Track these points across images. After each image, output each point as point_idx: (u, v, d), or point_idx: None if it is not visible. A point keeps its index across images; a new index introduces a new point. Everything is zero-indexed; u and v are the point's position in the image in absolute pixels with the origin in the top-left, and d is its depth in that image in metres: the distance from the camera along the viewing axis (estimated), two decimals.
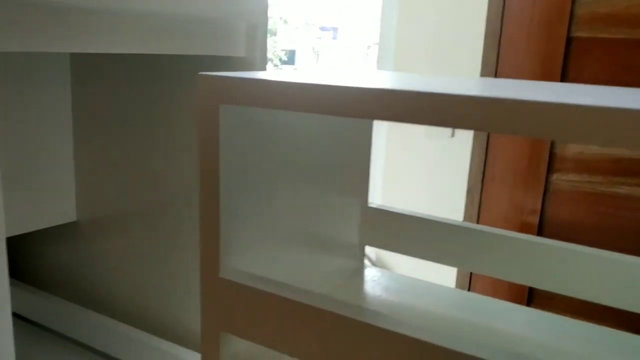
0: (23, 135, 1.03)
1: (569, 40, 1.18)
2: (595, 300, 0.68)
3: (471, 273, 1.32)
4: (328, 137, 0.70)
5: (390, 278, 0.82)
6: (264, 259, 0.64)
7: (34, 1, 0.54)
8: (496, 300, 0.77)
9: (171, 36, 0.68)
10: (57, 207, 1.09)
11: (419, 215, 0.77)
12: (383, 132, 1.45)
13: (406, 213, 0.78)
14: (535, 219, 1.25)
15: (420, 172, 1.38)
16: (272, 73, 0.57)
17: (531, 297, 1.27)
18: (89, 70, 1.04)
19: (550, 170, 1.22)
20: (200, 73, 0.54)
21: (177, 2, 0.69)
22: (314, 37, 11.99)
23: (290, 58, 12.74)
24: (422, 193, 1.37)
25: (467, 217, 1.31)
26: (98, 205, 1.08)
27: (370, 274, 0.83)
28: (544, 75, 1.21)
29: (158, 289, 1.05)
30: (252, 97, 0.51)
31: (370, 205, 0.81)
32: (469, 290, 1.33)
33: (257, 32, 0.78)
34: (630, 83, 1.14)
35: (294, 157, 0.65)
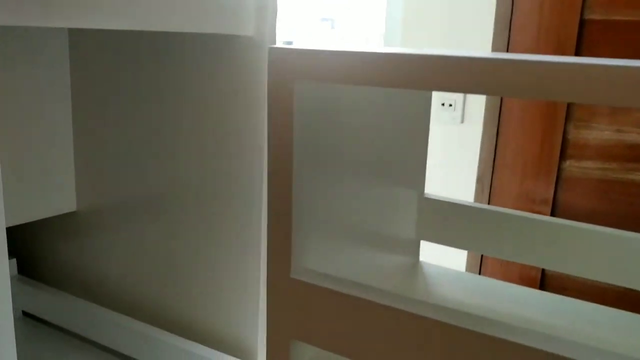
0: (22, 125, 0.99)
1: (582, 23, 1.15)
2: (612, 282, 0.65)
3: (482, 256, 1.30)
4: (389, 121, 0.65)
5: (448, 274, 0.77)
6: (326, 257, 0.58)
7: None
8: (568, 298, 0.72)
9: (176, 13, 0.64)
10: (56, 197, 1.06)
11: (477, 206, 0.71)
12: None
13: (465, 203, 0.72)
14: (547, 207, 1.22)
15: (428, 159, 1.35)
16: (351, 45, 0.51)
17: (543, 281, 1.24)
18: (88, 56, 1.01)
19: (562, 157, 1.19)
20: (272, 46, 0.47)
21: None
22: (312, 28, 11.95)
23: None
24: (431, 181, 1.34)
25: None
26: (98, 195, 1.05)
27: (428, 270, 0.79)
28: None
29: (159, 280, 1.02)
30: (334, 72, 0.44)
31: (427, 196, 0.74)
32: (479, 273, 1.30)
33: (267, 11, 0.75)
34: None
35: (356, 144, 0.59)
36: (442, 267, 0.80)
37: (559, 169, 1.20)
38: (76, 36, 1.03)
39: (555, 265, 0.69)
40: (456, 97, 1.30)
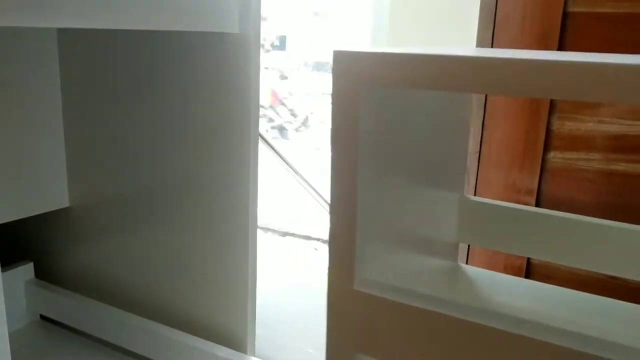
0: (11, 122, 1.01)
1: (565, 16, 1.16)
2: (597, 270, 0.67)
3: (469, 247, 1.32)
4: (434, 124, 0.64)
5: (492, 277, 0.77)
6: (382, 265, 0.56)
7: None
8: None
9: (162, 11, 0.66)
10: (49, 193, 1.07)
11: (519, 208, 0.71)
12: None
13: (503, 205, 0.72)
14: (531, 198, 1.24)
15: None
16: (416, 48, 0.50)
17: (528, 270, 1.27)
18: (77, 53, 1.02)
19: (546, 148, 1.21)
20: (337, 50, 0.45)
21: None
22: (305, 22, 11.91)
23: (281, 43, 12.66)
24: None
25: None
26: (90, 191, 1.07)
27: (470, 273, 0.79)
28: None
29: (152, 274, 1.04)
30: (403, 76, 0.42)
31: (468, 198, 0.74)
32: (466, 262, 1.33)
33: (251, 8, 0.76)
34: None
35: (408, 148, 0.58)
36: (482, 270, 0.80)
37: (543, 160, 1.22)
38: (65, 32, 1.04)
39: (566, 260, 0.70)
40: None
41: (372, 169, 0.48)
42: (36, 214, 1.08)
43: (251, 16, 0.78)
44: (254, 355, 0.95)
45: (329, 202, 0.47)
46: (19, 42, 1.01)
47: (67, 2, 0.57)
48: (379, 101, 0.48)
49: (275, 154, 1.50)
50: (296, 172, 1.54)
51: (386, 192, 0.53)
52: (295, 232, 5.14)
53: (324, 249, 4.80)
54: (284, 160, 1.53)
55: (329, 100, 0.54)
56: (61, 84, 1.03)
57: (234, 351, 0.91)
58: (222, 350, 0.92)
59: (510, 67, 0.40)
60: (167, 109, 0.92)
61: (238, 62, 0.79)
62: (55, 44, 1.03)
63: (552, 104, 1.20)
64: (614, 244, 0.69)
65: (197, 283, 0.97)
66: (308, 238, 5.21)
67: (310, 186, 1.56)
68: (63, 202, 1.08)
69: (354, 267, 0.47)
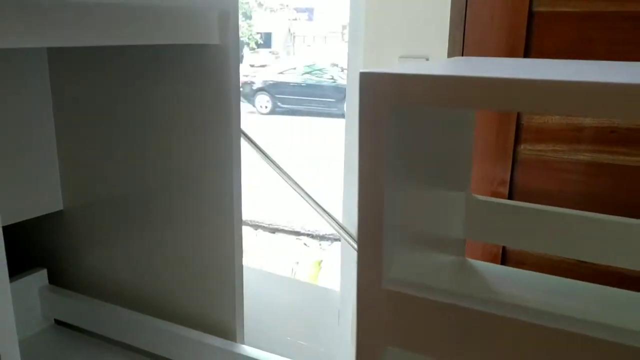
0: (3, 126, 1.05)
1: (531, 15, 1.23)
2: (569, 256, 0.73)
3: None
4: (444, 130, 0.68)
5: (499, 271, 0.82)
6: (403, 263, 0.60)
7: None
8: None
9: (144, 26, 0.71)
10: (42, 197, 1.12)
11: (524, 206, 0.76)
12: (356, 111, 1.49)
13: (510, 203, 0.76)
14: (505, 189, 1.31)
15: None
16: (439, 65, 0.52)
17: (504, 257, 1.33)
18: (66, 59, 1.07)
19: (517, 141, 1.28)
20: (363, 71, 0.48)
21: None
22: (289, 19, 11.94)
23: (266, 41, 12.71)
24: None
25: None
26: (83, 193, 1.11)
27: (478, 267, 0.83)
28: (509, 49, 1.26)
29: (147, 271, 1.09)
30: (429, 96, 0.46)
31: (475, 197, 0.78)
32: None
33: (230, 18, 0.82)
34: (590, 54, 1.19)
35: (422, 155, 0.63)
36: (487, 264, 0.85)
37: (514, 153, 1.29)
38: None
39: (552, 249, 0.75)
40: None
41: (394, 177, 0.53)
42: (30, 217, 1.12)
43: (230, 26, 0.83)
44: (243, 343, 1.02)
45: (357, 206, 0.51)
46: (7, 53, 1.05)
47: (48, 20, 0.61)
48: (400, 116, 0.52)
49: (260, 152, 1.55)
50: (279, 169, 1.60)
51: (406, 196, 0.57)
52: (286, 228, 5.19)
53: (313, 244, 4.85)
54: (267, 157, 1.58)
55: None
56: (51, 89, 1.08)
57: (225, 340, 0.97)
58: (215, 340, 0.98)
59: (534, 86, 0.44)
60: (155, 115, 0.97)
61: (220, 70, 0.85)
62: (45, 53, 1.08)
63: None
64: (610, 236, 0.75)
65: (189, 278, 1.02)
66: (298, 234, 5.25)
67: (294, 182, 1.61)
68: (57, 205, 1.13)
69: (382, 268, 0.51)
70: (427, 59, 1.39)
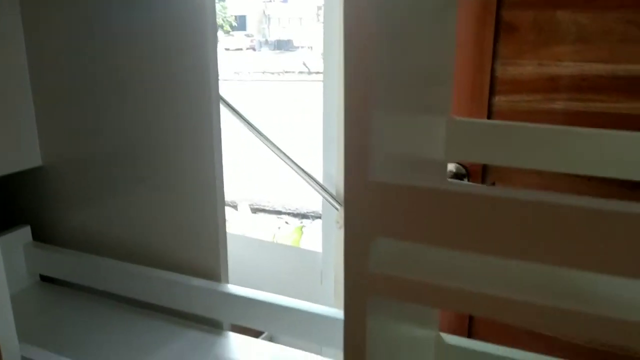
0: None
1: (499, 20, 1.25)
2: (550, 169, 0.75)
3: None
4: (427, 46, 0.67)
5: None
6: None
7: None
8: None
9: None
10: (20, 153, 1.11)
11: (503, 124, 0.78)
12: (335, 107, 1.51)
13: (490, 122, 0.77)
14: None
15: None
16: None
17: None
18: (41, 11, 1.05)
19: (492, 93, 1.30)
20: None
21: None
22: (263, 1, 11.84)
23: (240, 23, 12.59)
24: None
25: None
26: (63, 151, 1.11)
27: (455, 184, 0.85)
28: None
29: (138, 225, 1.10)
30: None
31: (455, 118, 0.80)
32: None
33: None
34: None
35: (405, 79, 0.63)
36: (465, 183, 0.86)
37: (490, 104, 1.31)
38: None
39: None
40: None
41: (380, 103, 0.54)
42: (7, 173, 1.11)
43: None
44: (227, 283, 1.04)
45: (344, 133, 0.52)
46: None
47: None
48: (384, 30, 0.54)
49: (240, 118, 1.55)
50: (266, 139, 1.60)
51: (389, 122, 0.59)
52: (267, 207, 5.19)
53: (295, 222, 4.87)
54: (250, 124, 1.59)
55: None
56: (25, 43, 1.06)
57: (211, 281, 1.00)
58: (202, 282, 1.01)
59: None
60: (132, 68, 0.97)
61: (195, 20, 0.85)
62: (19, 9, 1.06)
63: (495, 51, 1.28)
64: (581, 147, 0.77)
65: (172, 230, 1.03)
66: (279, 213, 5.25)
67: (283, 153, 1.62)
68: (35, 161, 1.12)
69: (368, 163, 0.52)
70: None
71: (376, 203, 0.52)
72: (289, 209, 5.15)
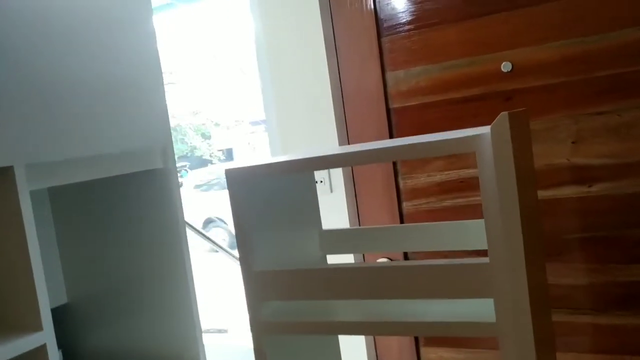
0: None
1: (389, 112, 1.71)
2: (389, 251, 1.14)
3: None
4: (297, 193, 1.11)
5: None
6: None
7: None
8: None
9: (112, 164, 1.14)
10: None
11: (360, 228, 1.19)
12: None
13: (349, 228, 1.17)
14: None
15: None
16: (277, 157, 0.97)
17: None
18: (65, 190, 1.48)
19: (400, 200, 1.72)
20: (227, 168, 0.93)
21: (115, 144, 1.16)
22: (247, 133, 12.74)
23: (228, 155, 13.43)
24: None
25: None
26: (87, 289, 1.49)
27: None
28: (377, 131, 1.72)
29: (130, 351, 1.45)
30: (264, 172, 0.93)
31: (324, 229, 1.21)
32: None
33: (168, 150, 1.25)
34: (430, 129, 1.67)
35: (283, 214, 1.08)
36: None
37: (400, 209, 1.72)
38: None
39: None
40: (324, 174, 1.83)
41: (260, 229, 0.96)
42: None
43: (168, 154, 1.25)
44: None
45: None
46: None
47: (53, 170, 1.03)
48: (254, 186, 0.97)
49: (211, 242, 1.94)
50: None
51: (270, 231, 1.00)
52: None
53: None
54: (223, 248, 1.97)
55: None
56: (52, 210, 1.47)
57: None
58: None
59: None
60: (123, 230, 1.36)
61: (165, 186, 1.26)
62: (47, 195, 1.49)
63: (395, 170, 1.72)
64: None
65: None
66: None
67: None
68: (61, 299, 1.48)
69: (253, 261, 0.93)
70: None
71: (259, 282, 0.93)
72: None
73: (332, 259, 1.36)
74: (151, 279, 1.36)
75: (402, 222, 1.72)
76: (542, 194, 1.56)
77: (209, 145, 11.00)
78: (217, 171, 9.72)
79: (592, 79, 1.47)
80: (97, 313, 1.45)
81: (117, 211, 1.35)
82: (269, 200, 1.02)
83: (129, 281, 1.40)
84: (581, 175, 1.51)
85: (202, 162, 11.19)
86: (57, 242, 1.44)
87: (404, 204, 1.72)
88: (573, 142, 1.51)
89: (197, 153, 10.83)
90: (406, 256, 1.72)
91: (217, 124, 11.09)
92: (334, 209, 1.82)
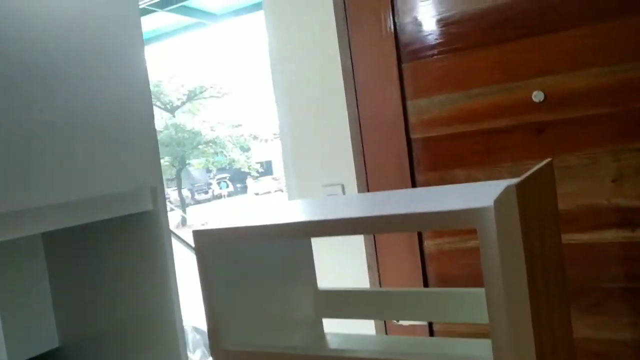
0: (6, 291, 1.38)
1: (409, 140, 1.59)
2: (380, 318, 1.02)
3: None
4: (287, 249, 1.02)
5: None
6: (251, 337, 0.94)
7: None
8: None
9: (102, 207, 1.06)
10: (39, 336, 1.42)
11: (355, 289, 1.07)
12: None
13: (344, 289, 1.07)
14: (420, 277, 1.60)
15: (332, 259, 1.73)
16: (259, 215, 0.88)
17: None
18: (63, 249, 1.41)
19: (420, 239, 1.58)
20: (195, 230, 0.86)
21: (105, 186, 1.08)
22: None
23: (267, 168, 13.44)
24: (329, 273, 1.71)
25: (372, 286, 1.65)
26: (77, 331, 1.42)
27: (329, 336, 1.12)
28: (399, 167, 1.60)
29: None
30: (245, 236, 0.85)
31: (319, 288, 1.10)
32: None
33: (157, 190, 1.17)
34: (457, 162, 1.53)
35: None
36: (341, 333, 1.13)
37: (421, 248, 1.59)
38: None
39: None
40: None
41: (237, 292, 0.85)
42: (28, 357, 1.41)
43: (159, 196, 1.17)
44: None
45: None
46: None
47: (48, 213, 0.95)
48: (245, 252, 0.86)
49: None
50: None
51: (251, 290, 0.90)
52: None
53: None
54: None
55: None
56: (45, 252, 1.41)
57: None
58: None
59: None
60: (115, 272, 1.29)
61: (155, 230, 1.17)
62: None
63: None
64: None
65: None
66: None
67: None
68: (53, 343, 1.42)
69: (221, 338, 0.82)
70: (343, 185, 1.73)
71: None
72: None
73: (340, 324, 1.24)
74: (141, 323, 1.27)
75: (423, 260, 1.59)
76: (578, 237, 1.40)
77: (248, 158, 11.02)
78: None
79: (633, 111, 1.32)
80: (89, 357, 1.38)
81: (109, 255, 1.27)
82: (248, 256, 0.92)
83: (120, 325, 1.32)
84: (623, 217, 1.35)
85: (241, 175, 11.23)
86: (50, 287, 1.37)
87: (425, 243, 1.59)
88: (613, 181, 1.35)
89: (236, 165, 10.85)
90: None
91: (255, 137, 11.10)
92: (351, 246, 1.70)
